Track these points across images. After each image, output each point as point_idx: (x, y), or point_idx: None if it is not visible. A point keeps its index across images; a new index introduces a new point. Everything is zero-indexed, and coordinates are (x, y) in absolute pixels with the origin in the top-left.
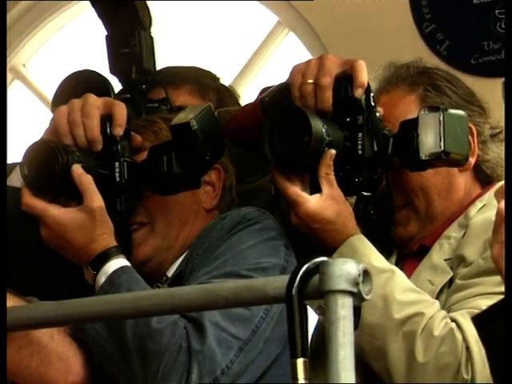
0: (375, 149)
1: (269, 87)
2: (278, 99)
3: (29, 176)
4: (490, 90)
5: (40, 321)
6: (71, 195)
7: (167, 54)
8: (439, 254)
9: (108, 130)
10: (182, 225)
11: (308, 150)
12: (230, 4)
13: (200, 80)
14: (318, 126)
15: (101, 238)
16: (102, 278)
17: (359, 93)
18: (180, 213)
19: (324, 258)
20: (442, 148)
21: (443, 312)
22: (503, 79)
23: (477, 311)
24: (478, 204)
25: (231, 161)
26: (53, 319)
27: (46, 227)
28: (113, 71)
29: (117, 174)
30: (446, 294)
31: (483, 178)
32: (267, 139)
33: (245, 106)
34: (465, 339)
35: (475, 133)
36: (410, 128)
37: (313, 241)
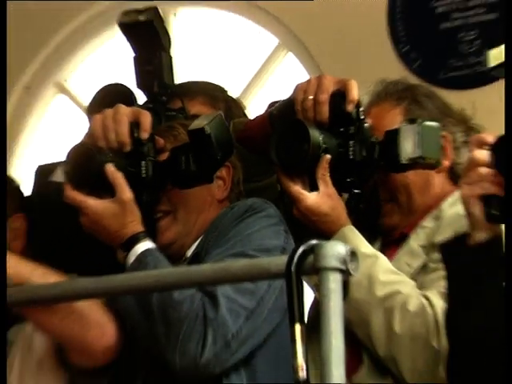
0: (364, 154)
1: (275, 102)
2: (283, 112)
3: (70, 173)
4: (455, 101)
5: (80, 293)
6: (105, 189)
7: (185, 71)
8: (416, 241)
9: (136, 135)
10: (199, 213)
11: (307, 156)
12: (238, 28)
13: (211, 93)
14: (316, 135)
15: (130, 224)
16: (131, 258)
17: (351, 107)
18: (197, 203)
19: (318, 241)
20: (419, 154)
21: (418, 291)
22: (466, 91)
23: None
24: (450, 200)
25: (241, 161)
26: (91, 292)
27: (84, 216)
28: (139, 85)
29: (143, 171)
30: (420, 275)
31: (456, 179)
32: (274, 147)
33: (255, 117)
34: (434, 314)
35: (450, 140)
36: (393, 137)
37: (312, 230)
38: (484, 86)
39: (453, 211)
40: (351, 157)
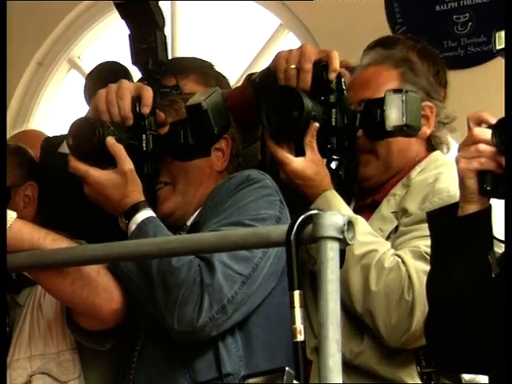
0: (345, 122)
1: (253, 73)
2: (265, 80)
3: (73, 145)
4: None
5: (89, 259)
6: (107, 161)
7: (190, 50)
8: (387, 207)
9: (137, 109)
10: (199, 184)
11: (299, 122)
12: (242, 9)
13: (202, 70)
14: (308, 103)
15: (132, 194)
16: (133, 226)
17: (333, 76)
18: (197, 174)
19: (316, 211)
20: (405, 122)
21: (392, 250)
22: (459, 71)
23: (416, 249)
24: (418, 168)
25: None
26: (100, 258)
27: (88, 186)
28: (134, 62)
29: (144, 144)
30: (392, 238)
31: (430, 148)
32: (265, 113)
33: (235, 88)
34: (407, 270)
35: (435, 111)
36: (374, 106)
37: (296, 193)
38: (477, 66)
39: (420, 179)
40: (333, 123)
